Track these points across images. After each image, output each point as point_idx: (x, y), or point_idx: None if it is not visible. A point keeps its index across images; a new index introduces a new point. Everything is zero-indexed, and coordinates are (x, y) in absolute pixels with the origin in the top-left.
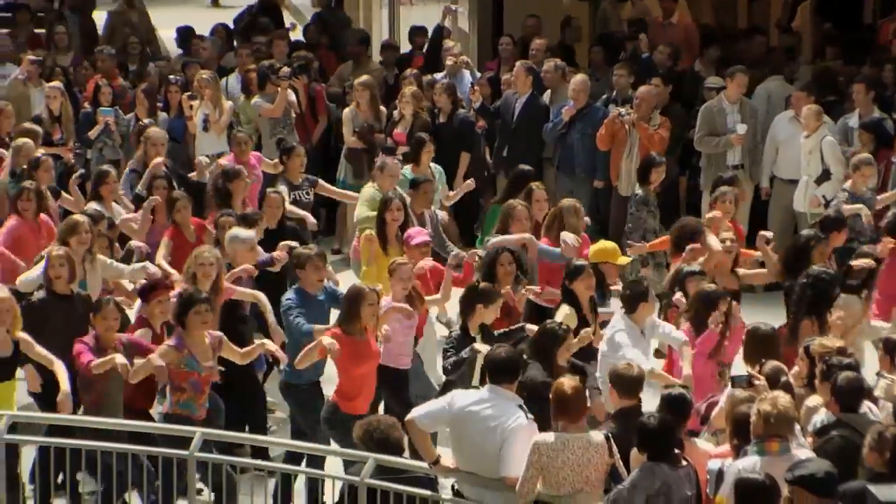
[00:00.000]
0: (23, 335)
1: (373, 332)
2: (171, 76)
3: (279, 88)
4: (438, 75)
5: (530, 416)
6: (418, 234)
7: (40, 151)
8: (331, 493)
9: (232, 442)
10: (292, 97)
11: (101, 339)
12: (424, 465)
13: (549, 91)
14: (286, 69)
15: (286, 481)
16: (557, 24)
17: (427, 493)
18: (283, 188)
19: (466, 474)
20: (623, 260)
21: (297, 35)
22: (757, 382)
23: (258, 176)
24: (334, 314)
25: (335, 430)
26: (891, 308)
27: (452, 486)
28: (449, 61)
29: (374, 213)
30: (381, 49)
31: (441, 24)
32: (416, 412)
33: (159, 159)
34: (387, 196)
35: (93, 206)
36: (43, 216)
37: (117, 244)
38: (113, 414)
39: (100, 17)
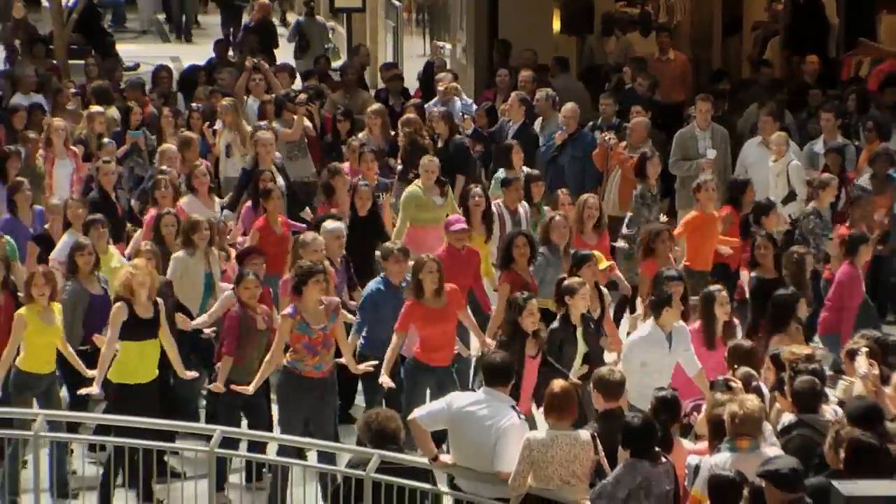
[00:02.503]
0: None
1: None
2: (194, 104)
3: (294, 115)
4: (431, 103)
5: (522, 416)
6: (457, 222)
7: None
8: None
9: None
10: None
11: (246, 305)
12: (424, 460)
13: (539, 119)
14: (303, 96)
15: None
16: (548, 57)
17: (427, 486)
18: None
19: (464, 469)
20: (604, 264)
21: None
22: (733, 385)
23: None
24: None
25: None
26: (840, 320)
27: (451, 480)
28: (440, 87)
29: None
30: (389, 79)
31: (431, 60)
32: (417, 412)
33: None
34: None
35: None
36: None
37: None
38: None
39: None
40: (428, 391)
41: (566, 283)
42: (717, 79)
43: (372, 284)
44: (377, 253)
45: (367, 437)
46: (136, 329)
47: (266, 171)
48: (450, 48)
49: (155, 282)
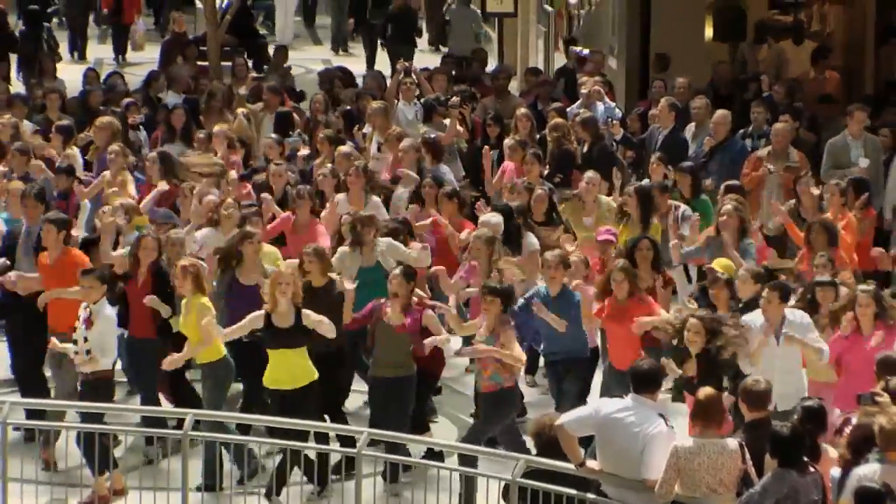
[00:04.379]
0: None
1: None
2: (340, 107)
3: (444, 119)
4: (574, 106)
5: (670, 423)
6: (605, 232)
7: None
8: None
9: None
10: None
11: None
12: (571, 466)
13: (691, 125)
14: (455, 99)
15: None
16: (699, 64)
17: (573, 492)
18: None
19: (610, 476)
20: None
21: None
22: (879, 399)
23: None
24: None
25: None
26: None
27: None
28: (583, 90)
29: None
30: (539, 84)
31: (570, 65)
32: (565, 418)
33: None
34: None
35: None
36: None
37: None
38: None
39: None
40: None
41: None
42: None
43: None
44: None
45: (538, 446)
46: (274, 337)
47: (427, 178)
48: (585, 54)
49: (299, 289)
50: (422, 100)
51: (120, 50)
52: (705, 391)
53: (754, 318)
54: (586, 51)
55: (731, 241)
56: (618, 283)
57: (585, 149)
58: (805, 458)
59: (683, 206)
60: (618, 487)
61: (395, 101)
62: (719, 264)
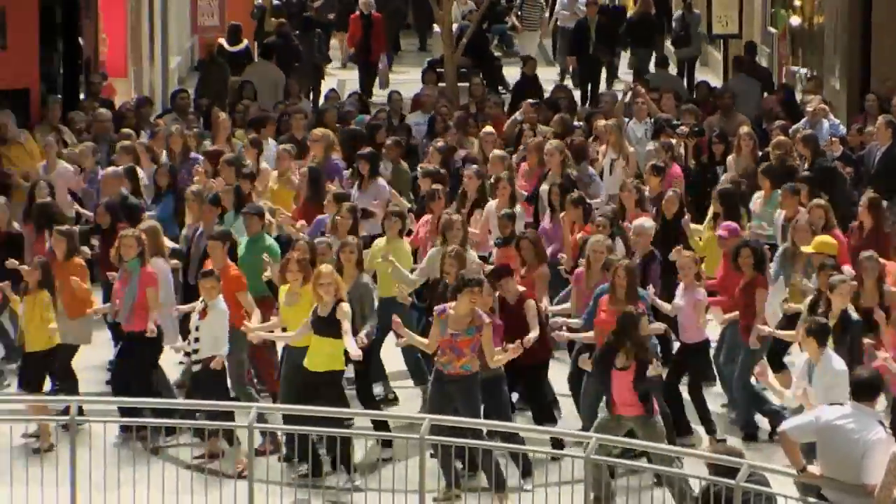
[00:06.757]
0: (346, 307)
1: None
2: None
3: (672, 139)
4: (800, 124)
5: (888, 430)
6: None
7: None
8: None
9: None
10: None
11: None
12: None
13: None
14: (684, 128)
15: None
16: None
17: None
18: None
19: (830, 480)
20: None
21: None
22: None
23: None
24: None
25: None
26: None
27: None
28: (808, 108)
29: None
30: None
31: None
32: (786, 424)
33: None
34: None
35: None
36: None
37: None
38: None
39: None
40: None
41: None
42: None
43: None
44: None
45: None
46: (315, 324)
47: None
48: (804, 72)
49: (340, 286)
50: (652, 118)
51: (366, 87)
52: None
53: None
54: (804, 70)
55: None
56: None
57: (806, 165)
58: None
59: None
60: (838, 492)
61: (626, 119)
62: None
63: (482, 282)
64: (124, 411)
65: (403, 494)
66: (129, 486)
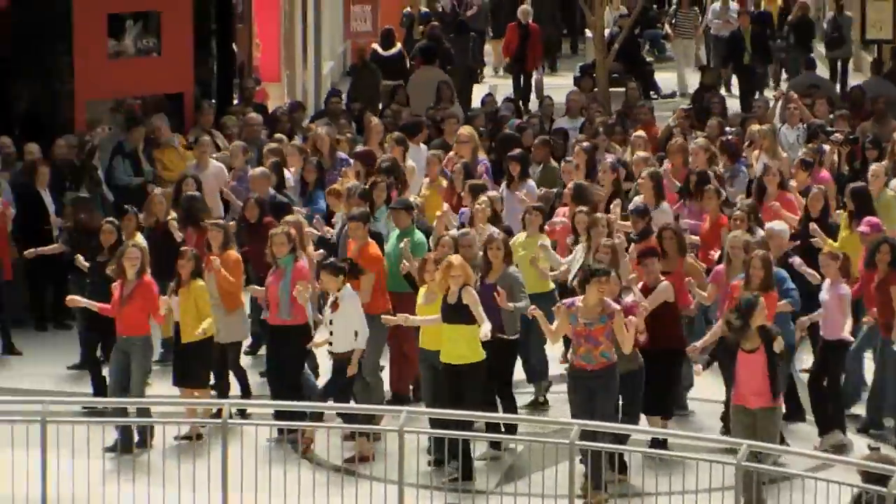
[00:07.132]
0: (471, 290)
1: None
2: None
3: (826, 145)
4: None
5: None
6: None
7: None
8: None
9: None
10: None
11: None
12: None
13: None
14: (838, 135)
15: None
16: None
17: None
18: None
19: None
20: None
21: None
22: None
23: None
24: None
25: None
26: None
27: None
28: None
29: None
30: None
31: None
32: None
33: None
34: None
35: None
36: None
37: None
38: None
39: None
40: None
41: None
42: None
43: None
44: None
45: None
46: (445, 312)
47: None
48: None
49: (469, 275)
50: (805, 123)
51: (522, 96)
52: None
53: None
54: None
55: None
56: None
57: None
58: None
59: None
60: None
61: (778, 125)
62: None
63: (609, 272)
64: (278, 413)
65: (553, 499)
66: (280, 488)
